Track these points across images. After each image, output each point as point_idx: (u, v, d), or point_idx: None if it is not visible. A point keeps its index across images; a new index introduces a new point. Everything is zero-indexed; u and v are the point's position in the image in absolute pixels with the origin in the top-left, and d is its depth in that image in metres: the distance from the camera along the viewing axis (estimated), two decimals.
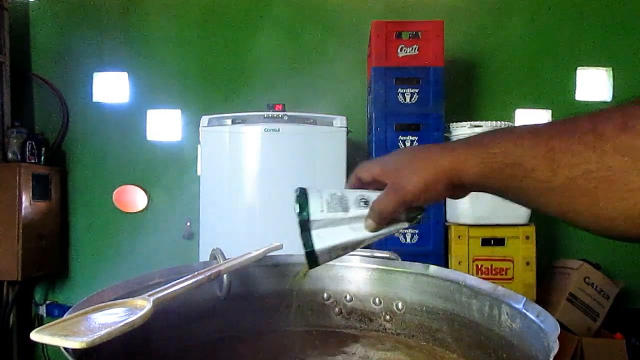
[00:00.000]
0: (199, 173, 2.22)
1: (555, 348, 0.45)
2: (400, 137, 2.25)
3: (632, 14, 2.73)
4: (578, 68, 2.72)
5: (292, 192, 0.61)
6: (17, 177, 2.44)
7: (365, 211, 0.58)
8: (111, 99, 2.83)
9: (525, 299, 0.60)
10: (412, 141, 2.25)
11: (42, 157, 2.64)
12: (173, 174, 2.76)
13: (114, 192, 2.75)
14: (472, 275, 0.82)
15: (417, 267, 0.77)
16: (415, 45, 2.26)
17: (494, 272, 2.15)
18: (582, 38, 2.73)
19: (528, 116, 2.71)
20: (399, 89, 2.26)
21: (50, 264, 2.67)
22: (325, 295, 0.84)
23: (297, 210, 0.61)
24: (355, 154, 2.35)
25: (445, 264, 2.20)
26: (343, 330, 0.83)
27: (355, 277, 0.83)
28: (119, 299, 0.54)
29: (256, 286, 0.81)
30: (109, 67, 2.83)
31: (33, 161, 2.58)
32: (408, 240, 2.25)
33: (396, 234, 2.25)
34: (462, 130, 2.28)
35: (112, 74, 2.83)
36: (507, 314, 0.62)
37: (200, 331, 0.75)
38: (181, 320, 0.72)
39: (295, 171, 2.12)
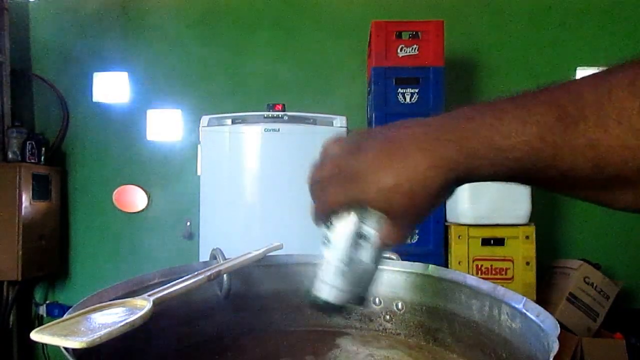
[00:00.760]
0: (199, 173, 2.22)
1: (555, 348, 0.45)
2: None
3: (632, 13, 2.73)
4: (578, 68, 2.72)
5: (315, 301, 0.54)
6: (17, 177, 2.44)
7: (372, 241, 0.51)
8: (111, 99, 2.83)
9: (525, 298, 0.60)
10: None
11: (42, 157, 2.64)
12: (173, 174, 2.76)
13: (114, 192, 2.75)
14: (472, 275, 0.82)
15: (417, 267, 0.77)
16: (415, 45, 2.26)
17: (494, 272, 2.15)
18: (582, 38, 2.73)
19: None
20: (399, 89, 2.26)
21: (50, 264, 2.67)
22: None
23: (341, 312, 0.55)
24: None
25: (445, 264, 2.20)
26: (343, 330, 0.83)
27: None
28: (119, 298, 0.54)
29: (256, 286, 0.81)
30: (109, 67, 2.84)
31: (33, 161, 2.58)
32: (408, 240, 2.25)
33: None
34: None
35: (112, 74, 2.83)
36: (507, 313, 0.62)
37: (200, 331, 0.75)
38: (181, 320, 0.72)
39: (295, 171, 2.11)
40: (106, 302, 0.52)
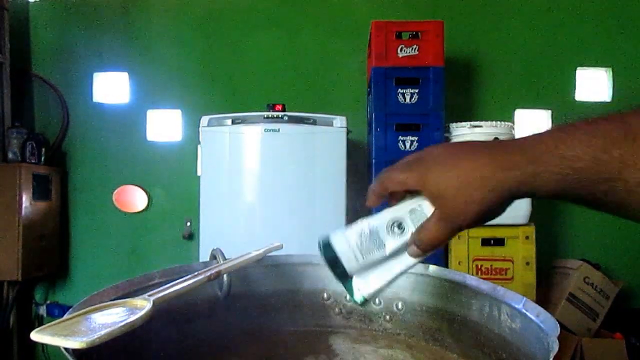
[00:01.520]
0: (199, 173, 2.22)
1: (555, 348, 0.45)
2: (400, 137, 2.25)
3: (632, 14, 2.73)
4: (578, 68, 2.72)
5: (317, 246, 0.54)
6: (18, 177, 2.44)
7: (403, 238, 0.52)
8: (111, 99, 2.83)
9: (525, 299, 0.60)
10: (412, 141, 2.25)
11: (43, 157, 2.64)
12: (173, 174, 2.76)
13: (114, 192, 2.75)
14: (472, 275, 0.82)
15: (417, 267, 0.77)
16: (415, 46, 2.26)
17: (494, 272, 2.15)
18: (582, 38, 2.73)
19: (528, 116, 2.71)
20: (399, 89, 2.26)
21: (50, 264, 2.67)
22: (325, 295, 0.84)
23: (329, 267, 0.53)
24: (355, 154, 2.36)
25: (445, 264, 2.20)
26: (343, 330, 0.83)
27: None
28: (119, 299, 0.54)
29: (256, 286, 0.81)
30: (109, 67, 2.84)
31: (33, 161, 2.58)
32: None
33: None
34: (462, 130, 2.29)
35: (113, 74, 2.83)
36: (507, 314, 0.62)
37: (200, 331, 0.75)
38: (181, 320, 0.72)
39: (295, 171, 2.13)
40: (106, 302, 0.52)
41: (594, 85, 2.73)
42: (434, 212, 0.50)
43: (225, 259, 0.73)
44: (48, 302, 2.81)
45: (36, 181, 2.54)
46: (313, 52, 2.79)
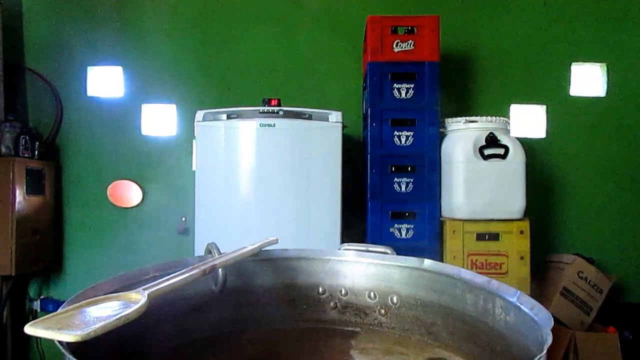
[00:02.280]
0: (194, 168, 2.21)
1: (549, 340, 0.45)
2: (396, 132, 2.25)
3: (626, 9, 2.73)
4: (573, 64, 2.73)
5: None
6: (11, 172, 2.42)
7: None
8: (106, 93, 2.82)
9: (519, 292, 0.60)
10: (407, 136, 2.25)
11: (36, 152, 2.62)
12: (168, 169, 2.75)
13: (109, 187, 2.74)
14: (467, 269, 0.82)
15: (412, 261, 0.77)
16: (410, 41, 2.26)
17: (488, 266, 2.16)
18: (576, 34, 2.73)
19: (523, 111, 2.71)
20: (395, 84, 2.26)
21: (44, 259, 2.66)
22: (320, 289, 0.84)
23: None
24: (351, 149, 2.36)
25: (440, 259, 2.21)
26: (338, 324, 0.83)
27: (351, 272, 0.83)
28: (114, 292, 0.54)
29: (251, 280, 0.81)
30: (104, 62, 2.82)
31: (27, 156, 2.57)
32: (403, 235, 2.26)
33: (391, 229, 2.25)
34: (457, 125, 2.29)
35: (107, 68, 2.81)
36: (501, 307, 0.62)
37: (195, 325, 0.75)
38: (176, 314, 0.72)
39: (290, 166, 2.12)
40: (101, 295, 0.52)
41: (588, 80, 2.74)
42: None
43: (220, 253, 0.73)
44: (42, 297, 2.80)
45: (30, 176, 2.53)
46: (308, 47, 2.78)
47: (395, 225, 2.26)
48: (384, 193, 2.25)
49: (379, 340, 0.78)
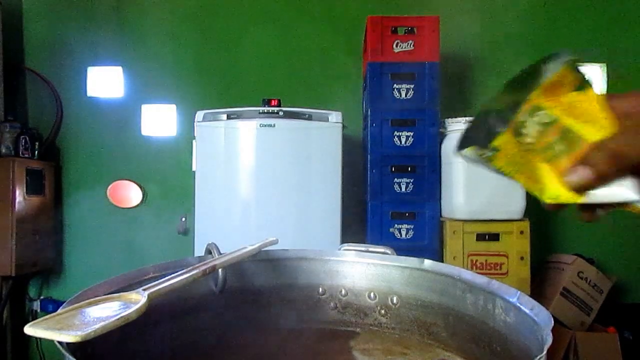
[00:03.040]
0: (194, 168, 2.21)
1: (549, 340, 0.45)
2: (396, 133, 2.25)
3: (626, 9, 2.73)
4: None
5: None
6: (11, 172, 2.42)
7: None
8: (105, 93, 2.82)
9: (519, 292, 0.60)
10: (407, 137, 2.25)
11: (36, 152, 2.63)
12: (168, 169, 2.75)
13: (109, 187, 2.74)
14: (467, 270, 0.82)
15: (412, 261, 0.77)
16: (410, 41, 2.26)
17: (488, 267, 2.16)
18: (576, 34, 2.73)
19: None
20: (395, 85, 2.26)
21: (44, 259, 2.66)
22: (320, 290, 0.84)
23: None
24: (351, 150, 2.35)
25: (440, 259, 2.21)
26: (338, 325, 0.83)
27: (351, 272, 0.83)
28: (114, 293, 0.54)
29: (251, 281, 0.81)
30: (104, 62, 2.82)
31: (27, 156, 2.57)
32: (403, 235, 2.26)
33: (391, 230, 2.25)
34: (457, 125, 2.29)
35: (107, 69, 2.81)
36: (501, 307, 0.62)
37: (195, 325, 0.75)
38: (176, 314, 0.72)
39: (290, 167, 2.12)
40: (101, 296, 0.52)
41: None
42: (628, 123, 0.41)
43: (220, 253, 0.73)
44: (42, 297, 2.80)
45: (30, 176, 2.53)
46: (308, 47, 2.78)
47: (395, 225, 2.26)
48: (384, 193, 2.25)
49: (379, 340, 0.78)
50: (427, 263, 0.76)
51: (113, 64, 2.81)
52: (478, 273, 0.69)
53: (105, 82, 2.81)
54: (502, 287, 0.63)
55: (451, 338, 0.72)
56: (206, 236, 2.10)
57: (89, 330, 0.41)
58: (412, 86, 2.25)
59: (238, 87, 2.77)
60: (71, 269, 2.83)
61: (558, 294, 2.28)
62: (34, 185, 2.56)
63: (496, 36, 2.75)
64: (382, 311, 0.81)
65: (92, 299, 0.50)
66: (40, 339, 0.45)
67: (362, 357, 0.73)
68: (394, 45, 2.26)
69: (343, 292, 0.83)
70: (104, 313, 0.46)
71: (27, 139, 2.58)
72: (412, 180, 2.25)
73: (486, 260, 2.17)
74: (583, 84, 0.42)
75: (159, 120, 2.78)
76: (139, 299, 0.49)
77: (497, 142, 0.43)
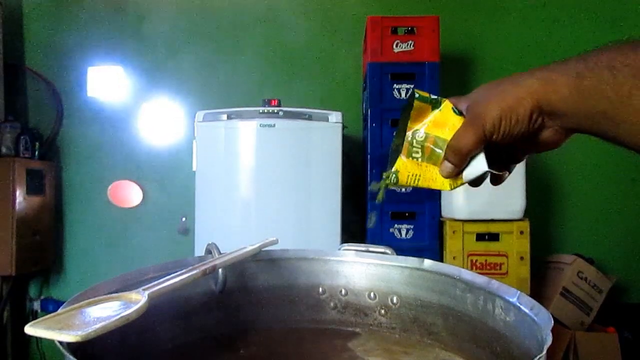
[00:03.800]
0: (194, 168, 2.21)
1: (549, 340, 0.46)
2: None
3: (626, 10, 2.73)
4: None
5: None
6: (11, 172, 2.42)
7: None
8: (106, 93, 2.82)
9: (519, 292, 0.60)
10: None
11: (36, 152, 2.63)
12: (168, 169, 2.76)
13: (109, 187, 2.74)
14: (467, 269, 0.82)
15: (412, 261, 0.77)
16: (410, 41, 2.26)
17: (488, 267, 2.16)
18: (575, 34, 2.73)
19: None
20: (395, 85, 2.26)
21: (44, 259, 2.66)
22: (320, 289, 0.84)
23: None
24: (351, 149, 2.36)
25: (440, 259, 2.21)
26: (338, 324, 0.83)
27: (351, 272, 0.83)
28: (114, 293, 0.54)
29: (251, 281, 0.81)
30: (104, 62, 2.82)
31: (27, 156, 2.57)
32: (403, 235, 2.26)
33: (391, 230, 2.25)
34: None
35: (107, 69, 2.81)
36: (501, 307, 0.62)
37: (195, 325, 0.75)
38: (176, 314, 0.72)
39: (290, 167, 2.12)
40: (101, 296, 0.52)
41: None
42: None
43: (220, 253, 0.73)
44: (42, 297, 2.80)
45: (30, 176, 2.53)
46: (309, 47, 2.78)
47: (395, 225, 2.26)
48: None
49: (379, 340, 0.78)
50: (427, 263, 0.76)
51: (113, 64, 2.81)
52: (478, 273, 0.69)
53: (105, 82, 2.81)
54: (502, 287, 0.63)
55: (451, 338, 0.72)
56: (206, 236, 2.10)
57: (89, 330, 0.41)
58: (412, 86, 2.25)
59: (238, 87, 2.77)
60: (71, 268, 2.83)
61: (558, 293, 2.28)
62: (34, 185, 2.56)
63: (496, 36, 2.75)
64: (382, 311, 0.81)
65: (92, 299, 0.50)
66: (40, 338, 0.45)
67: (362, 357, 0.73)
68: (394, 46, 2.26)
69: (343, 292, 0.83)
70: (104, 313, 0.46)
71: (28, 139, 2.59)
72: None
73: (486, 260, 2.17)
74: (438, 103, 0.58)
75: (159, 120, 2.78)
76: (139, 299, 0.50)
77: (396, 166, 0.60)
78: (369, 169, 2.26)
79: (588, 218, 2.67)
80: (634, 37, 0.44)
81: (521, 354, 0.57)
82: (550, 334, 0.47)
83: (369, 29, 2.29)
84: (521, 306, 0.58)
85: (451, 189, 0.58)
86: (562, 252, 2.54)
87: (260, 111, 2.14)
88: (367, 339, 0.78)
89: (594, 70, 0.44)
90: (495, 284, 0.64)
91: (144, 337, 0.65)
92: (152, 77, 2.81)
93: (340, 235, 2.10)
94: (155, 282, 0.55)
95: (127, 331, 0.48)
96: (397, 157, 0.59)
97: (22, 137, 2.55)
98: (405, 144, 0.59)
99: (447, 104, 0.57)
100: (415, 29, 2.27)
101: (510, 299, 0.60)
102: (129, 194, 2.76)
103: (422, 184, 0.59)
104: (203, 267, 0.63)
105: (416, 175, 0.59)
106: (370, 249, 0.82)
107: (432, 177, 0.58)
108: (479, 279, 0.67)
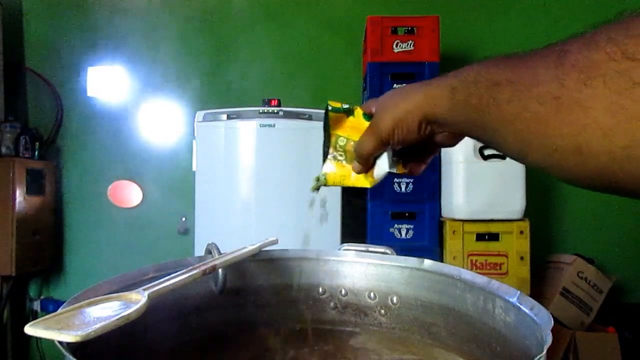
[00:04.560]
0: (194, 168, 2.21)
1: (549, 340, 0.46)
2: None
3: (627, 10, 2.73)
4: None
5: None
6: (11, 172, 2.42)
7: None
8: (106, 93, 2.82)
9: (519, 292, 0.60)
10: None
11: (36, 152, 2.63)
12: (168, 169, 2.76)
13: (109, 188, 2.74)
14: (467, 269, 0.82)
15: (412, 261, 0.77)
16: (410, 41, 2.26)
17: (488, 267, 2.16)
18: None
19: None
20: (395, 85, 2.26)
21: (44, 259, 2.66)
22: (320, 289, 0.84)
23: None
24: None
25: (440, 259, 2.21)
26: (338, 324, 0.83)
27: (350, 272, 0.83)
28: (114, 293, 0.54)
29: (251, 281, 0.81)
30: (104, 61, 2.82)
31: (27, 156, 2.57)
32: (403, 235, 2.26)
33: (391, 230, 2.25)
34: None
35: (107, 68, 2.81)
36: (501, 307, 0.62)
37: (195, 325, 0.75)
38: (176, 314, 0.72)
39: (290, 166, 2.12)
40: (101, 296, 0.52)
41: None
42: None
43: (220, 253, 0.73)
44: (42, 297, 2.80)
45: (30, 176, 2.53)
46: (308, 47, 2.78)
47: (395, 225, 2.26)
48: (384, 193, 2.25)
49: (379, 340, 0.78)
50: (427, 263, 0.76)
51: (113, 64, 2.81)
52: (478, 273, 0.69)
53: (105, 82, 2.81)
54: (502, 287, 0.63)
55: (451, 338, 0.72)
56: (206, 236, 2.10)
57: (89, 330, 0.41)
58: None
59: (238, 87, 2.77)
60: (71, 268, 2.83)
61: (558, 293, 2.28)
62: (34, 185, 2.56)
63: (496, 36, 2.75)
64: (382, 311, 0.81)
65: (92, 299, 0.50)
66: (40, 338, 0.45)
67: (362, 357, 0.73)
68: (394, 46, 2.26)
69: (343, 292, 0.83)
70: (104, 313, 0.46)
71: (27, 139, 2.59)
72: (412, 180, 2.25)
73: (486, 260, 2.17)
74: (351, 111, 0.65)
75: (159, 120, 2.78)
76: (139, 299, 0.50)
77: (325, 168, 0.67)
78: None
79: (588, 218, 2.67)
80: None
81: (521, 354, 0.57)
82: (550, 334, 0.47)
83: (369, 29, 2.29)
84: (521, 306, 0.58)
85: (372, 186, 0.65)
86: (562, 252, 2.54)
87: (260, 111, 2.14)
88: (367, 339, 0.78)
89: (464, 84, 0.48)
90: (495, 284, 0.64)
91: (144, 337, 0.65)
92: (152, 77, 2.81)
93: (340, 235, 2.10)
94: (155, 282, 0.55)
95: (127, 331, 0.48)
96: (326, 159, 0.67)
97: (22, 137, 2.55)
98: (332, 148, 0.66)
99: (358, 111, 0.65)
100: (415, 29, 2.27)
101: (510, 299, 0.60)
102: (129, 194, 2.76)
103: (348, 183, 0.66)
104: (203, 267, 0.63)
105: (342, 175, 0.66)
106: (370, 249, 0.82)
107: (356, 176, 0.65)
108: (479, 279, 0.67)
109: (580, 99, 0.35)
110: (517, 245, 2.16)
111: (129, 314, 0.45)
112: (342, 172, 0.66)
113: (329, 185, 0.68)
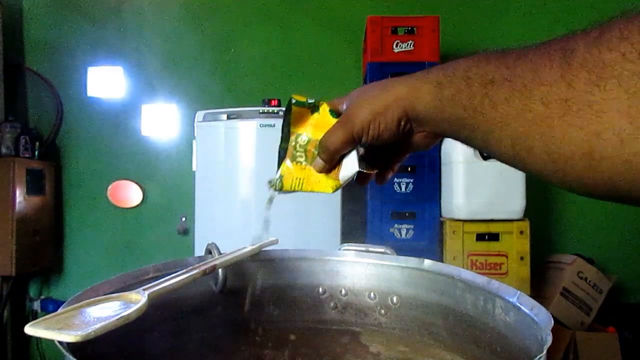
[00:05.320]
0: (194, 168, 2.21)
1: (549, 340, 0.45)
2: None
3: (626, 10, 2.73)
4: None
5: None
6: (11, 172, 2.43)
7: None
8: (106, 93, 2.82)
9: (519, 292, 0.60)
10: None
11: (36, 152, 2.63)
12: (168, 169, 2.76)
13: (109, 188, 2.74)
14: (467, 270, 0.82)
15: (412, 261, 0.77)
16: (410, 41, 2.26)
17: (488, 267, 2.16)
18: None
19: None
20: None
21: (44, 259, 2.66)
22: (320, 289, 0.84)
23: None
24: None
25: (440, 259, 2.21)
26: (338, 324, 0.83)
27: (350, 272, 0.83)
28: (114, 293, 0.54)
29: (251, 280, 0.81)
30: (104, 62, 2.82)
31: (27, 156, 2.57)
32: (403, 235, 2.26)
33: (391, 230, 2.25)
34: None
35: (107, 68, 2.82)
36: (501, 307, 0.62)
37: (195, 325, 0.75)
38: (176, 314, 0.72)
39: None
40: (101, 296, 0.52)
41: None
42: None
43: (220, 253, 0.73)
44: (42, 297, 2.80)
45: (30, 176, 2.53)
46: (308, 47, 2.78)
47: (395, 225, 2.26)
48: (384, 193, 2.25)
49: (378, 340, 0.78)
50: (427, 263, 0.76)
51: (113, 64, 2.81)
52: (478, 273, 0.69)
53: (105, 82, 2.81)
54: (502, 287, 0.63)
55: (451, 338, 0.72)
56: (206, 236, 2.10)
57: (89, 330, 0.41)
58: None
59: (238, 87, 2.77)
60: (71, 269, 2.83)
61: (558, 294, 2.28)
62: (34, 185, 2.56)
63: (496, 36, 2.75)
64: (382, 311, 0.81)
65: (92, 299, 0.50)
66: (40, 338, 0.45)
67: (362, 357, 0.73)
68: (394, 46, 2.26)
69: (343, 292, 0.83)
70: (104, 313, 0.46)
71: (28, 139, 2.59)
72: (412, 180, 2.25)
73: (486, 260, 2.17)
74: (316, 107, 0.58)
75: (159, 120, 2.78)
76: (139, 299, 0.49)
77: (280, 171, 0.62)
78: None
79: (588, 218, 2.67)
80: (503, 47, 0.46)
81: (521, 354, 0.57)
82: (550, 334, 0.47)
83: (369, 29, 2.29)
84: (521, 306, 0.58)
85: (333, 192, 0.60)
86: (562, 252, 2.54)
87: (260, 111, 2.14)
88: (367, 339, 0.78)
89: (452, 79, 0.45)
90: (495, 284, 0.64)
91: (144, 337, 0.65)
92: (152, 77, 2.81)
93: (340, 235, 2.10)
94: (155, 282, 0.55)
95: (127, 331, 0.48)
96: (282, 161, 0.61)
97: (22, 137, 2.55)
98: (290, 148, 0.60)
99: (324, 107, 0.58)
100: (415, 29, 2.27)
101: (510, 299, 0.60)
102: (129, 194, 2.76)
103: (307, 187, 0.61)
104: (203, 267, 0.63)
105: (300, 179, 0.61)
106: (370, 249, 0.82)
107: (317, 180, 0.60)
108: (479, 279, 0.67)
109: (592, 102, 0.32)
110: (517, 246, 2.16)
111: (129, 314, 0.45)
112: (301, 174, 0.60)
113: (285, 192, 0.62)
